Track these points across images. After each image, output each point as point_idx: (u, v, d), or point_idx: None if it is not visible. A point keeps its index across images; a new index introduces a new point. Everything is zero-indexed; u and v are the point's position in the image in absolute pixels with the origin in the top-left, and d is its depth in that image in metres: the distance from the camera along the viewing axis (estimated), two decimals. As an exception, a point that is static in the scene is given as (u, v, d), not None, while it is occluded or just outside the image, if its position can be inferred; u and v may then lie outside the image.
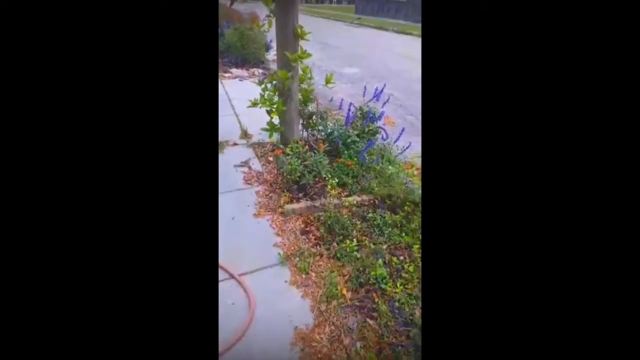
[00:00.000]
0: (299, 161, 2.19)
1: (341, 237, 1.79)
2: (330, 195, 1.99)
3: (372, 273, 1.53)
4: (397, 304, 1.43)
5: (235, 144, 2.89)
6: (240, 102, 3.68)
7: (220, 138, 2.89)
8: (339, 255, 1.68)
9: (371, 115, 2.60)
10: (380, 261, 1.61)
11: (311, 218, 1.97)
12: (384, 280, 1.51)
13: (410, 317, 1.36)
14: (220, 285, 1.56)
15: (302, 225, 1.94)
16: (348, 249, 1.68)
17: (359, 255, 1.66)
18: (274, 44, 2.46)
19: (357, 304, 1.47)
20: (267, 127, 2.44)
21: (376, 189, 2.10)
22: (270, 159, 2.64)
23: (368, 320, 1.39)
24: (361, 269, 1.59)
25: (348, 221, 1.86)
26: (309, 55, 2.32)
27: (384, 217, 1.90)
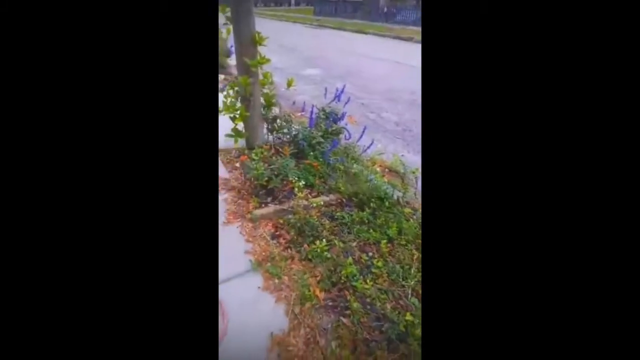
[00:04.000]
0: (265, 165, 2.19)
1: (311, 238, 1.81)
2: (298, 197, 2.01)
3: (343, 272, 1.57)
4: (368, 300, 1.47)
5: (198, 152, 2.81)
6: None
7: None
8: (310, 256, 1.70)
9: (333, 115, 2.65)
10: (350, 259, 1.65)
11: (281, 222, 1.97)
12: (354, 278, 1.56)
13: (382, 312, 1.42)
14: (191, 298, 1.52)
15: (272, 230, 1.93)
16: (319, 250, 1.71)
17: (329, 255, 1.69)
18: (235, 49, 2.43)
19: (330, 303, 1.50)
20: (232, 133, 2.41)
21: (342, 188, 2.15)
22: (237, 165, 2.60)
23: (342, 318, 1.42)
24: (332, 268, 1.63)
25: (317, 222, 1.89)
26: (268, 60, 2.32)
27: (352, 215, 1.95)
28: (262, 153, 2.27)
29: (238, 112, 2.33)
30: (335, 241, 1.80)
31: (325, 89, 2.72)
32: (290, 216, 1.95)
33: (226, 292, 1.54)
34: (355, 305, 1.44)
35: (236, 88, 2.43)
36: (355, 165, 2.40)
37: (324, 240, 1.76)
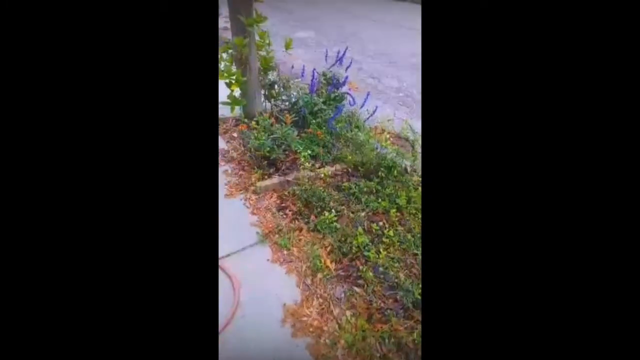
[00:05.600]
0: (267, 135, 2.08)
1: (319, 210, 1.76)
2: (303, 167, 1.94)
3: (354, 242, 1.54)
4: (381, 269, 1.46)
5: (193, 122, 2.66)
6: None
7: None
8: (319, 227, 1.67)
9: (335, 80, 2.51)
10: (360, 229, 1.62)
11: (286, 193, 1.91)
12: (366, 248, 1.53)
13: (396, 280, 1.41)
14: (199, 273, 1.48)
15: (278, 202, 1.88)
16: (327, 221, 1.67)
17: (339, 226, 1.65)
18: (223, 10, 2.23)
19: (342, 273, 1.48)
20: (228, 100, 2.27)
21: (348, 157, 2.08)
22: (235, 135, 2.49)
23: (355, 288, 1.41)
24: (342, 238, 1.60)
25: (324, 192, 1.83)
26: (265, 18, 2.14)
27: (359, 185, 1.90)
28: (262, 122, 2.15)
29: (234, 77, 2.17)
30: (344, 211, 1.75)
31: (326, 52, 2.56)
32: (295, 187, 1.89)
33: (234, 265, 1.51)
34: (368, 274, 1.42)
35: (230, 51, 2.26)
36: (360, 134, 2.31)
37: (332, 210, 1.72)
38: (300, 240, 1.64)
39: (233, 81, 2.20)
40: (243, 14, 2.10)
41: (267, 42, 2.32)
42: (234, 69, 2.24)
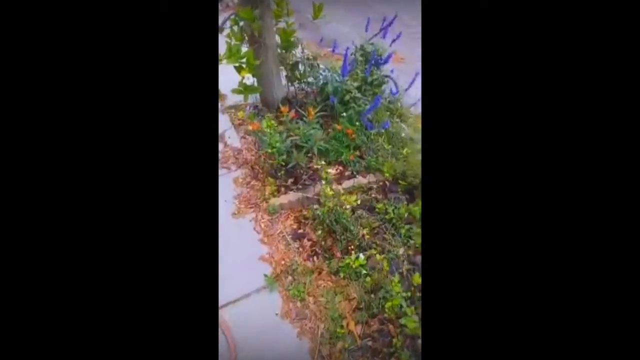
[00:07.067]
0: (284, 136, 1.68)
1: (344, 242, 1.37)
2: (326, 180, 1.53)
3: (388, 304, 1.14)
4: (422, 342, 1.07)
5: (207, 110, 2.32)
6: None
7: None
8: (343, 273, 1.29)
9: (376, 57, 1.96)
10: (396, 277, 1.21)
11: (305, 214, 1.54)
12: (402, 310, 1.13)
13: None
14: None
15: (295, 226, 1.52)
16: (354, 266, 1.28)
17: (368, 277, 1.25)
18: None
19: (370, 344, 1.12)
20: (239, 88, 1.86)
21: (386, 165, 1.61)
22: (251, 127, 2.11)
23: (386, 371, 1.05)
24: (373, 290, 1.21)
25: (350, 218, 1.42)
26: (280, -21, 1.62)
27: (398, 208, 1.45)
28: (274, 126, 1.72)
29: (244, 60, 1.74)
30: (375, 246, 1.35)
31: (368, 20, 1.98)
32: (316, 207, 1.50)
33: (233, 318, 1.21)
34: (405, 354, 1.04)
35: (241, 24, 1.80)
36: (404, 126, 1.81)
37: (360, 255, 1.31)
38: (318, 286, 1.28)
39: (244, 65, 1.77)
40: (252, -25, 1.60)
41: (287, 11, 1.82)
42: (245, 48, 1.80)
